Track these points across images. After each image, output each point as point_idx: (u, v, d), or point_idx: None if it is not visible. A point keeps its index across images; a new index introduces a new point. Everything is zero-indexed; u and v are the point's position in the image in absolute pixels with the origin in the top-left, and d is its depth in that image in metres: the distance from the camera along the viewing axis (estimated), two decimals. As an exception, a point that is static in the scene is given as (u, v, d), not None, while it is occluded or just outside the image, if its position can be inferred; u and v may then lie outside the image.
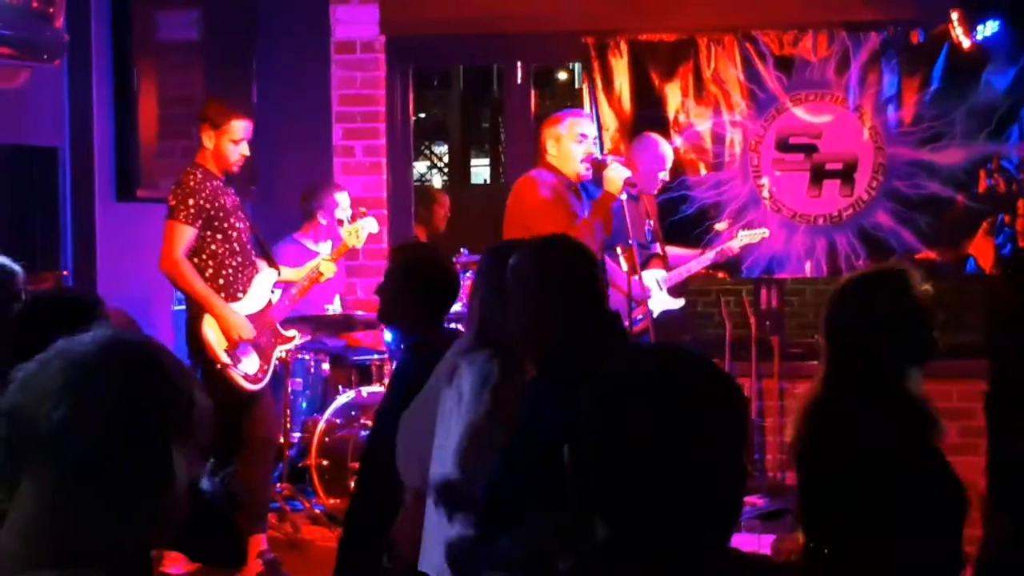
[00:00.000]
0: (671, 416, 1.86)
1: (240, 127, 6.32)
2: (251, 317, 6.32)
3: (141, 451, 1.72)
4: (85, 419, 1.69)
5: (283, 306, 6.58)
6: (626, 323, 6.83)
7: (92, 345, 1.75)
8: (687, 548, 1.87)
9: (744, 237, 7.50)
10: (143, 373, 1.75)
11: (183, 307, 6.38)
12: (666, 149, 7.43)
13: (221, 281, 6.26)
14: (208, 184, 6.23)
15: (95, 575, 1.70)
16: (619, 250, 6.38)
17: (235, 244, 6.32)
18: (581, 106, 8.14)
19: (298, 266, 6.89)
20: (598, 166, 6.53)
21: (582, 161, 6.54)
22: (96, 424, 1.70)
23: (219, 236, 6.26)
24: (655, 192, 7.42)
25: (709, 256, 7.48)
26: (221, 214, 6.25)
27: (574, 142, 6.55)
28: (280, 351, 6.56)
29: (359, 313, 7.55)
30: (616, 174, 6.41)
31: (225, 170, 6.33)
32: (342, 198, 7.54)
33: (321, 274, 6.69)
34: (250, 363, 6.30)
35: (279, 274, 6.56)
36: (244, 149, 6.33)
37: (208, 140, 6.28)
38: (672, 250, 7.44)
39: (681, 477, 1.85)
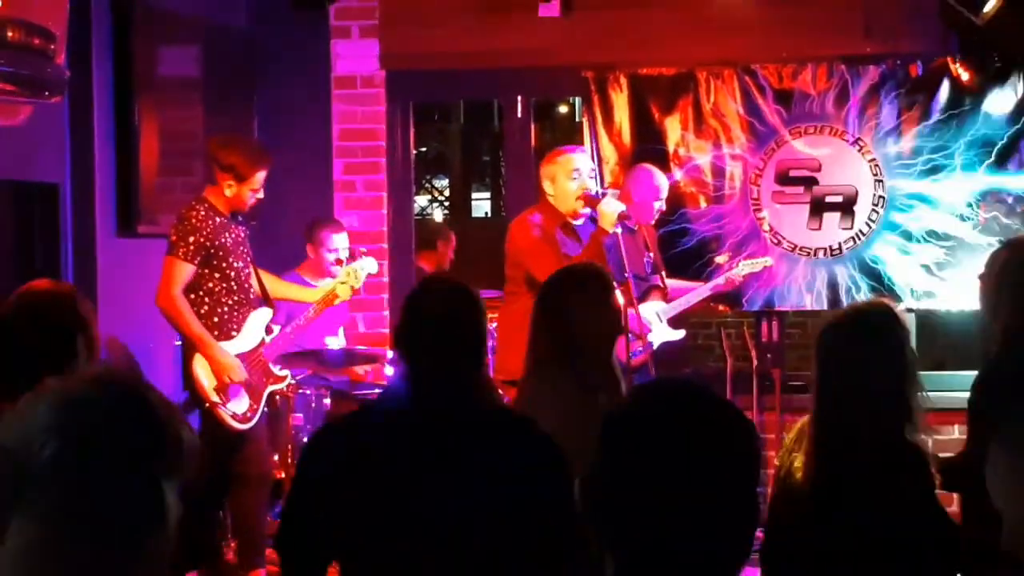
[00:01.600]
0: (684, 454, 1.86)
1: (262, 177, 6.35)
2: (243, 356, 6.31)
3: (132, 488, 1.72)
4: (74, 458, 1.69)
5: (285, 337, 6.57)
6: (624, 356, 6.83)
7: (81, 383, 1.75)
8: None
9: (746, 267, 7.49)
10: (132, 410, 1.75)
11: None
12: (661, 180, 7.44)
13: (215, 319, 6.27)
14: (211, 222, 6.24)
15: None
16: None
17: (232, 283, 6.32)
18: (581, 139, 8.16)
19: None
20: (591, 201, 6.55)
21: (578, 199, 6.55)
22: (86, 462, 1.69)
23: (216, 275, 6.27)
24: (652, 223, 7.42)
25: (710, 286, 7.46)
26: (221, 252, 6.26)
27: (568, 179, 6.58)
28: (272, 389, 6.55)
29: (360, 348, 7.55)
30: (609, 208, 6.41)
31: (237, 211, 6.35)
32: (340, 239, 7.50)
33: (336, 296, 6.69)
34: (239, 403, 6.29)
35: (274, 312, 6.56)
36: (260, 194, 6.38)
37: (229, 189, 6.29)
38: (672, 283, 7.44)
39: (694, 513, 1.84)
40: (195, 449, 1.79)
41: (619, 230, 6.36)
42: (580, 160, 6.71)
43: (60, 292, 3.88)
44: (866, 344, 3.35)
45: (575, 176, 6.57)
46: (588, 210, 6.57)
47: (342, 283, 6.74)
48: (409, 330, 3.40)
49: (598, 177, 7.57)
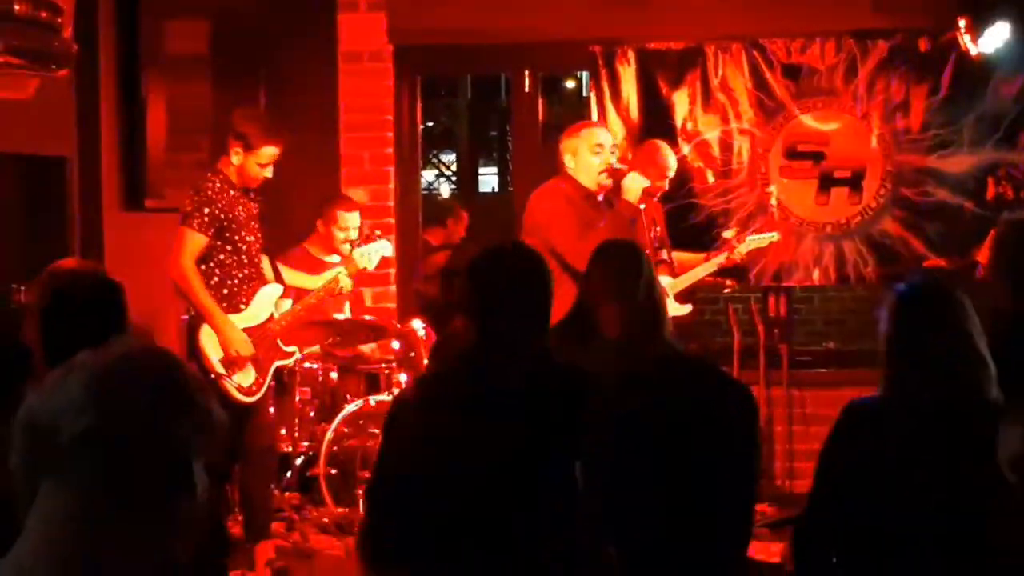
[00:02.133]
0: (690, 425, 1.87)
1: (270, 153, 6.31)
2: (250, 330, 6.32)
3: (163, 461, 1.73)
4: (108, 430, 1.70)
5: (296, 314, 6.58)
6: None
7: (114, 357, 1.77)
8: (710, 557, 1.87)
9: (753, 242, 7.48)
10: (165, 384, 1.77)
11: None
12: (668, 155, 7.42)
13: (225, 291, 6.27)
14: (226, 194, 6.24)
15: None
16: None
17: (243, 256, 6.32)
18: (589, 115, 8.14)
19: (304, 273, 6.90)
20: (616, 174, 6.51)
21: (600, 172, 6.51)
22: (119, 435, 1.71)
23: (228, 247, 6.27)
24: (658, 198, 7.40)
25: (717, 260, 7.44)
26: (234, 225, 6.26)
27: (591, 154, 6.52)
28: (279, 364, 6.56)
29: (367, 318, 7.54)
30: (634, 184, 6.39)
31: (248, 186, 6.35)
32: (352, 218, 7.46)
33: (339, 285, 6.70)
34: (245, 376, 6.30)
35: (283, 290, 6.57)
36: (268, 172, 6.34)
37: (236, 156, 6.28)
38: (678, 256, 7.43)
39: (703, 484, 1.86)
40: (223, 425, 1.81)
41: (643, 205, 6.33)
42: (602, 135, 6.67)
43: (99, 271, 3.90)
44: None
45: (597, 151, 6.52)
46: (609, 183, 6.53)
47: (346, 272, 6.75)
48: (486, 294, 3.45)
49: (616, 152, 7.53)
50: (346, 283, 6.74)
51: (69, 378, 1.75)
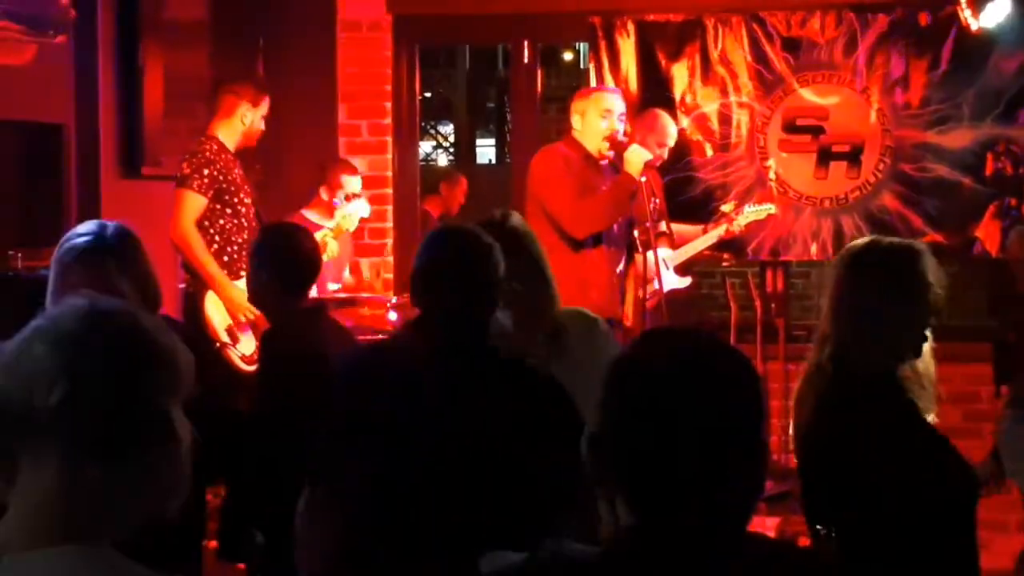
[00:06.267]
0: (697, 395, 1.87)
1: (267, 103, 6.45)
2: None
3: (142, 418, 1.73)
4: (83, 397, 1.69)
5: None
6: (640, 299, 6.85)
7: (72, 321, 1.74)
8: (714, 529, 1.87)
9: (750, 214, 7.47)
10: (130, 340, 1.75)
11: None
12: (669, 123, 7.39)
13: (225, 258, 6.25)
14: (223, 156, 6.24)
15: (111, 549, 1.70)
16: (636, 231, 6.41)
17: (243, 219, 6.31)
18: (587, 86, 8.12)
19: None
20: (618, 146, 6.47)
21: (604, 139, 6.46)
22: (95, 400, 1.69)
23: (228, 211, 6.25)
24: (657, 166, 7.38)
25: (716, 233, 7.43)
26: (232, 188, 6.25)
27: (599, 117, 6.44)
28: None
29: (364, 295, 7.54)
30: (636, 156, 6.36)
31: (247, 145, 6.36)
32: (351, 181, 7.46)
33: (324, 247, 6.69)
34: (247, 343, 6.28)
35: None
36: (262, 126, 6.46)
37: (246, 117, 6.33)
38: (677, 228, 7.43)
39: (709, 456, 1.85)
40: (191, 365, 1.80)
41: (644, 178, 6.32)
42: (613, 101, 6.57)
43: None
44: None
45: (606, 116, 6.46)
46: (612, 152, 6.49)
47: (331, 235, 6.75)
48: (428, 272, 3.43)
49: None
50: (332, 246, 6.72)
51: (31, 346, 1.71)
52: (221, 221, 6.23)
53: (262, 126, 6.47)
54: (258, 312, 6.12)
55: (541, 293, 4.05)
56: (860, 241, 3.45)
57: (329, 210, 7.45)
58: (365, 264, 8.11)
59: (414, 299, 3.49)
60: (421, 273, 3.47)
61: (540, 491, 3.23)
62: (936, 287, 3.27)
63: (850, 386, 3.26)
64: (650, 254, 6.43)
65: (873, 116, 7.90)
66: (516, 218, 4.23)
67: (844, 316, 3.30)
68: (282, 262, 4.59)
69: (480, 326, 3.41)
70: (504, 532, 3.17)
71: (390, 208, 8.16)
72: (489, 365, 3.36)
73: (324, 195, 7.47)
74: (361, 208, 6.86)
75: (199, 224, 6.17)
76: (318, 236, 6.73)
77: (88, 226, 3.66)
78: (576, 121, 6.52)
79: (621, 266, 6.55)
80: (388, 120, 8.28)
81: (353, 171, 7.52)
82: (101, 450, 1.70)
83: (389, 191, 8.23)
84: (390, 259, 8.23)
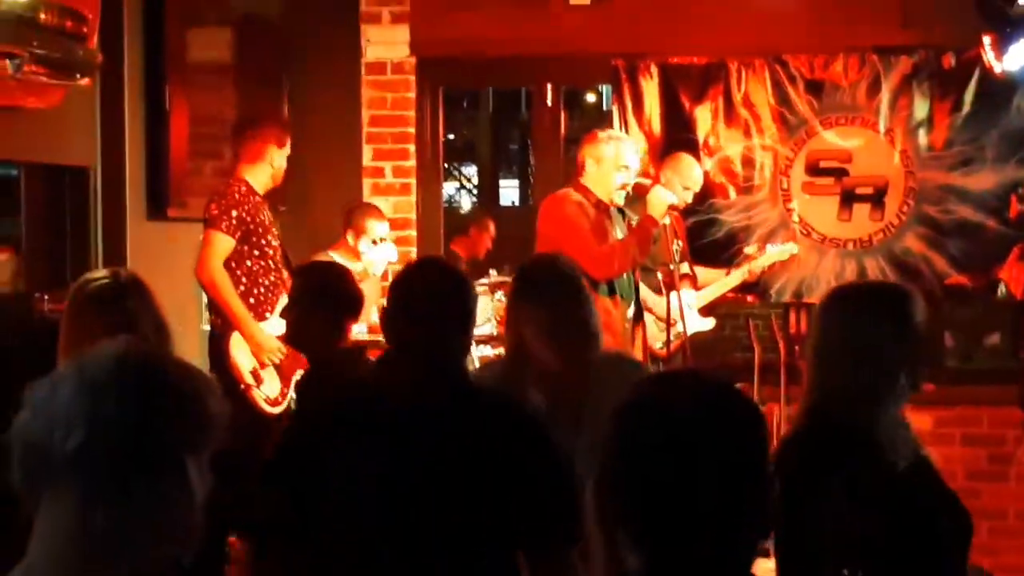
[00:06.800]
0: (717, 430, 1.88)
1: (289, 143, 6.54)
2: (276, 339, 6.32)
3: (157, 468, 1.73)
4: (100, 444, 1.70)
5: None
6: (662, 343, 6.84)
7: (101, 366, 1.75)
8: (725, 560, 1.88)
9: (773, 254, 7.47)
10: (153, 390, 1.76)
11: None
12: (694, 168, 7.40)
13: (251, 300, 6.26)
14: (251, 199, 6.27)
15: None
16: (659, 273, 6.41)
17: (270, 262, 6.33)
18: (611, 128, 8.13)
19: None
20: (640, 189, 6.45)
21: (618, 189, 6.42)
22: (111, 447, 1.70)
23: (256, 252, 6.27)
24: (681, 210, 7.38)
25: (739, 274, 7.44)
26: (260, 230, 6.27)
27: (615, 170, 6.39)
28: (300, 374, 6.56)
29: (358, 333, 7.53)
30: (659, 199, 6.34)
31: (274, 187, 6.40)
32: (377, 225, 7.45)
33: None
34: (271, 386, 6.28)
35: None
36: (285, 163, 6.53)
37: (274, 160, 6.39)
38: (700, 271, 7.43)
39: (726, 488, 1.87)
40: (223, 417, 1.81)
41: (667, 220, 6.30)
42: (631, 158, 6.49)
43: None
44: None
45: (622, 170, 6.39)
46: (622, 200, 6.45)
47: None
48: (397, 308, 3.40)
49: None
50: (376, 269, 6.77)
51: (58, 389, 1.74)
52: (248, 263, 6.25)
53: (285, 165, 6.53)
54: (286, 354, 6.16)
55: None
56: (844, 284, 3.41)
57: (354, 253, 7.47)
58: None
59: (385, 335, 3.45)
60: (390, 308, 3.43)
61: (493, 528, 3.22)
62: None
63: (827, 442, 3.10)
64: (674, 296, 6.42)
65: (896, 158, 7.90)
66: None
67: (824, 361, 3.23)
68: (330, 300, 4.62)
69: (449, 360, 3.37)
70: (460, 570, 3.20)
71: (414, 250, 8.17)
72: (455, 401, 3.31)
73: (351, 239, 7.49)
74: (389, 254, 6.88)
75: (226, 266, 6.19)
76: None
77: (102, 272, 3.69)
78: (590, 165, 6.44)
79: (631, 313, 6.49)
80: (412, 162, 8.30)
81: (380, 216, 7.52)
82: (114, 495, 1.70)
83: (413, 233, 8.25)
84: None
